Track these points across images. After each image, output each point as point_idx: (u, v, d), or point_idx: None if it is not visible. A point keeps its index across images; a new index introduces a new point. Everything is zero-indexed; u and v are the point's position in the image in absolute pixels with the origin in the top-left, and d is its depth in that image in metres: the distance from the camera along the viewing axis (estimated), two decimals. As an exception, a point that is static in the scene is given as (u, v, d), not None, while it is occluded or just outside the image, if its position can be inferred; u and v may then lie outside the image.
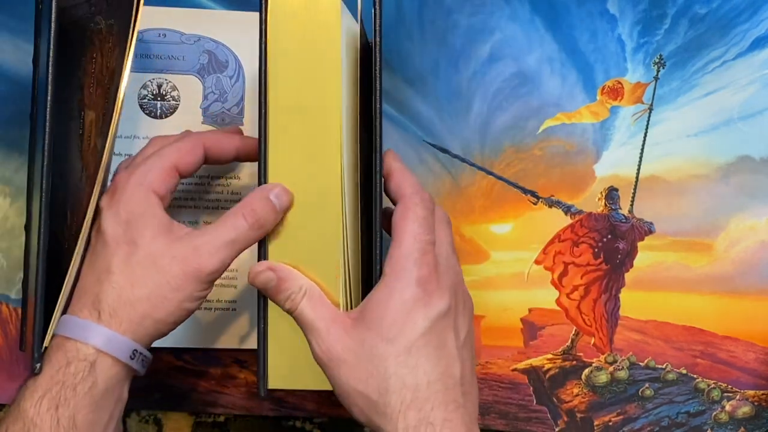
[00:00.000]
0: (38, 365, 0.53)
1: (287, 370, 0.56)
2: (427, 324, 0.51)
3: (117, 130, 0.57)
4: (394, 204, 0.56)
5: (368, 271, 0.57)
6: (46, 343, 0.54)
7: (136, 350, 0.54)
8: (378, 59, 0.55)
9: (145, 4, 0.65)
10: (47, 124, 0.56)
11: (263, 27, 0.55)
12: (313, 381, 0.55)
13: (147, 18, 0.65)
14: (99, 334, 0.53)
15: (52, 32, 0.55)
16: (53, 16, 0.55)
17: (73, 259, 0.56)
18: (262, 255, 0.56)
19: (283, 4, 0.55)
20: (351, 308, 0.55)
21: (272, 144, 0.55)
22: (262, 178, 0.55)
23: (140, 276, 0.53)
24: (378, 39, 0.55)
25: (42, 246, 0.55)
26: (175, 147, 0.58)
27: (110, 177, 0.59)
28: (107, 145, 0.57)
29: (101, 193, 0.57)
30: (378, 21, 0.55)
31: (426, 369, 0.51)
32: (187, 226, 0.57)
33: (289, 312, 0.54)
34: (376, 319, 0.51)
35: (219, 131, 0.64)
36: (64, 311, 0.55)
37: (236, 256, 0.55)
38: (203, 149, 0.59)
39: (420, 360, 0.51)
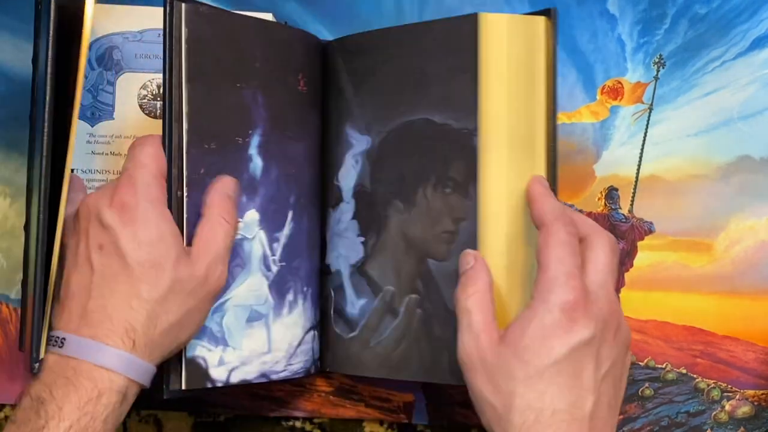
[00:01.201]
0: (37, 365, 0.53)
1: None
2: (564, 351, 0.51)
3: (74, 129, 0.57)
4: (538, 228, 0.55)
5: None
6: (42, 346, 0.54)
7: (152, 371, 0.54)
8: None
9: (145, 4, 0.65)
10: (45, 124, 0.56)
11: (169, 30, 0.56)
12: None
13: (147, 18, 0.65)
14: (133, 366, 0.52)
15: (51, 31, 0.56)
16: (52, 15, 0.56)
17: (54, 260, 0.55)
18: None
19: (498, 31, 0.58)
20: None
21: (485, 169, 0.58)
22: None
23: (172, 302, 0.53)
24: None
25: (40, 246, 0.55)
26: (151, 154, 0.56)
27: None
28: (70, 142, 0.57)
29: (69, 191, 0.57)
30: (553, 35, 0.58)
31: (554, 397, 0.50)
32: None
33: (461, 296, 0.55)
34: (516, 339, 0.52)
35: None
36: (51, 322, 0.54)
37: None
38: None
39: (550, 387, 0.51)
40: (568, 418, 0.50)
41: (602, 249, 0.54)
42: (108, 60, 0.65)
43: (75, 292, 0.54)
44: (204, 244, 0.55)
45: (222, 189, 0.57)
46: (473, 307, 0.54)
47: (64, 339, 0.52)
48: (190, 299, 0.54)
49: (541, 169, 0.58)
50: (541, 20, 0.59)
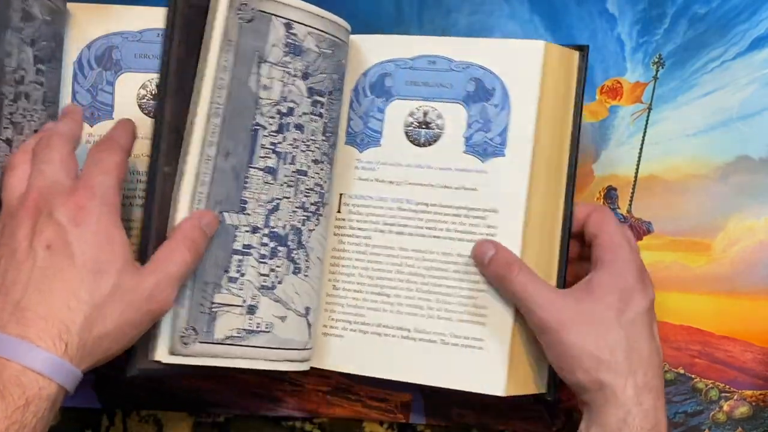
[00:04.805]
0: None
1: (523, 376, 0.62)
2: (646, 306, 0.59)
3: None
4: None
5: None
6: None
7: (79, 378, 0.51)
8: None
9: (145, 4, 0.65)
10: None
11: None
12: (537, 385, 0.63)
13: (147, 18, 0.65)
14: (64, 371, 0.49)
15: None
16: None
17: None
18: None
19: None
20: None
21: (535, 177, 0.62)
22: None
23: (111, 310, 0.51)
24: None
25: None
26: (117, 162, 0.55)
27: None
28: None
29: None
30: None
31: (647, 340, 0.59)
32: None
33: (504, 282, 0.60)
34: (607, 296, 0.59)
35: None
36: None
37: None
38: (132, 132, 0.58)
39: (642, 333, 0.59)
40: (657, 361, 0.59)
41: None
42: (107, 60, 0.65)
43: (8, 287, 0.50)
44: (157, 261, 0.53)
45: (197, 219, 0.56)
46: (525, 280, 0.59)
47: None
48: (129, 311, 0.51)
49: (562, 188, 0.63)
50: (575, 54, 0.63)
